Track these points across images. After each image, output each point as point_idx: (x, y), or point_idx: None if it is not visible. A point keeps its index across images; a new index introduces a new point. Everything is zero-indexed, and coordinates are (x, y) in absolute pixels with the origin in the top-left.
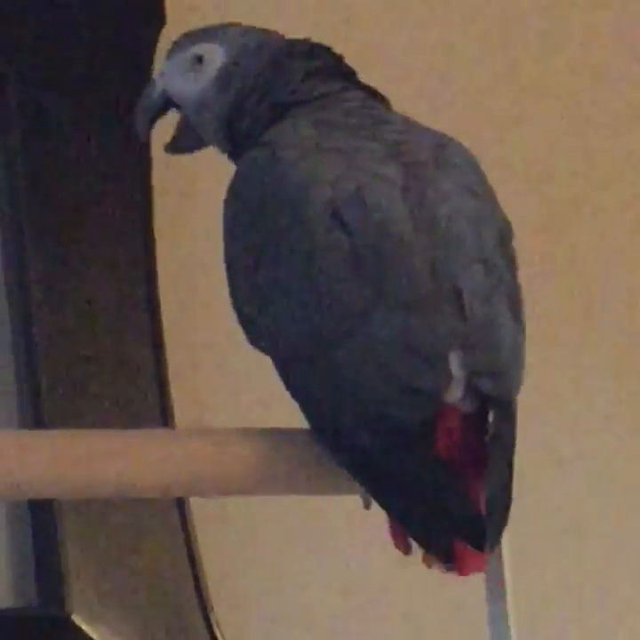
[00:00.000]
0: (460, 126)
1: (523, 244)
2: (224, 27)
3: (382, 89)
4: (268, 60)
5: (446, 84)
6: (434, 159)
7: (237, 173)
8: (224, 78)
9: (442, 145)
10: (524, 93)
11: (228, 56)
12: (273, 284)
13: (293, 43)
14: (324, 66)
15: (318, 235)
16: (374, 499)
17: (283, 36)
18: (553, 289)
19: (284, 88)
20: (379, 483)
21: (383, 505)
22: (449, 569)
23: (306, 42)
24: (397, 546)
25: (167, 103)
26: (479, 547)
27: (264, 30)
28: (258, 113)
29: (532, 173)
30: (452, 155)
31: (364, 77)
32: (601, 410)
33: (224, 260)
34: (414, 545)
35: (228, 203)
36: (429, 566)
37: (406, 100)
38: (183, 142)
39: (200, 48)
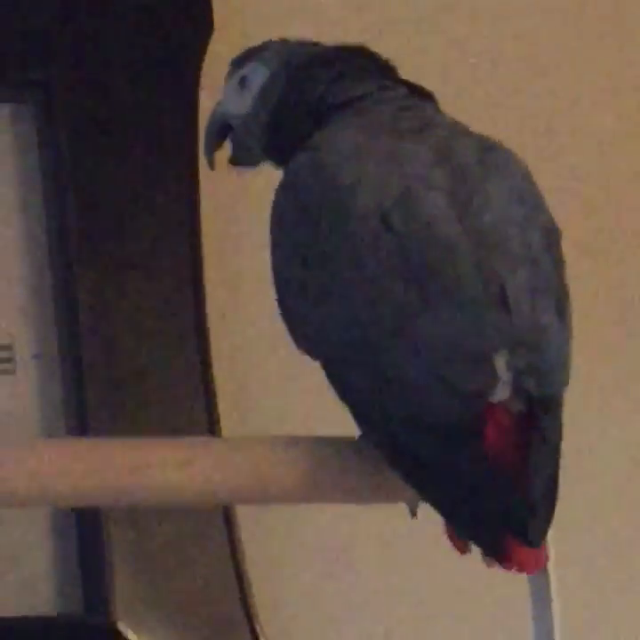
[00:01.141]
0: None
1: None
2: (268, 43)
3: None
4: (300, 69)
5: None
6: (480, 162)
7: (284, 179)
8: (265, 93)
9: (488, 148)
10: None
11: (270, 72)
12: (320, 287)
13: (327, 49)
14: (358, 67)
15: (365, 238)
16: (425, 499)
17: (326, 45)
18: (600, 291)
19: (312, 93)
20: (429, 483)
21: (434, 505)
22: (506, 567)
23: (339, 46)
24: (455, 545)
25: (227, 126)
26: (530, 543)
27: (306, 42)
28: (295, 121)
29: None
30: (499, 158)
31: None
32: None
33: (271, 263)
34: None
35: (275, 207)
36: (489, 566)
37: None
38: (241, 158)
39: (245, 69)
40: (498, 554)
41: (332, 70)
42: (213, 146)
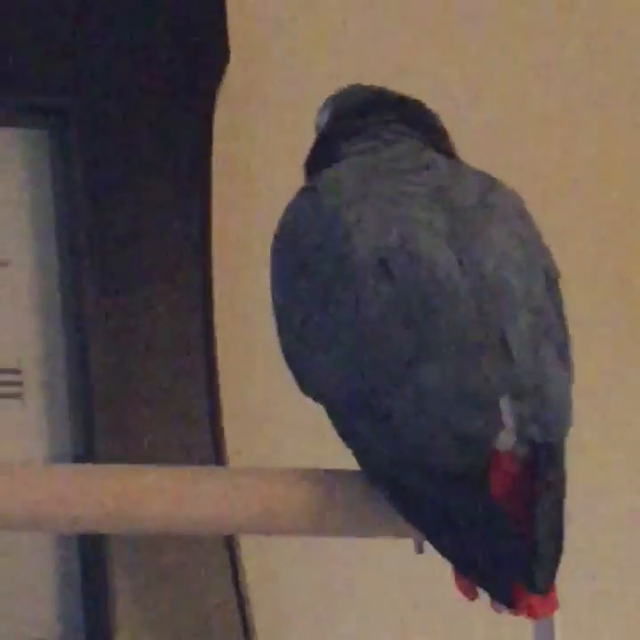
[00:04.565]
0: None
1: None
2: (341, 89)
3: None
4: (331, 120)
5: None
6: (480, 205)
7: (284, 219)
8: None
9: (488, 189)
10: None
11: (327, 117)
12: (320, 332)
13: (358, 95)
14: (381, 119)
15: (364, 285)
16: (431, 544)
17: (379, 90)
18: (604, 329)
19: (330, 147)
20: (435, 528)
21: (440, 550)
22: (514, 613)
23: (373, 93)
24: (462, 591)
25: None
26: (537, 590)
27: (359, 89)
28: (310, 164)
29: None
30: (499, 199)
31: None
32: None
33: (272, 306)
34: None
35: (274, 251)
36: (498, 611)
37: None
38: None
39: (318, 116)
40: (505, 600)
41: (351, 128)
42: None
